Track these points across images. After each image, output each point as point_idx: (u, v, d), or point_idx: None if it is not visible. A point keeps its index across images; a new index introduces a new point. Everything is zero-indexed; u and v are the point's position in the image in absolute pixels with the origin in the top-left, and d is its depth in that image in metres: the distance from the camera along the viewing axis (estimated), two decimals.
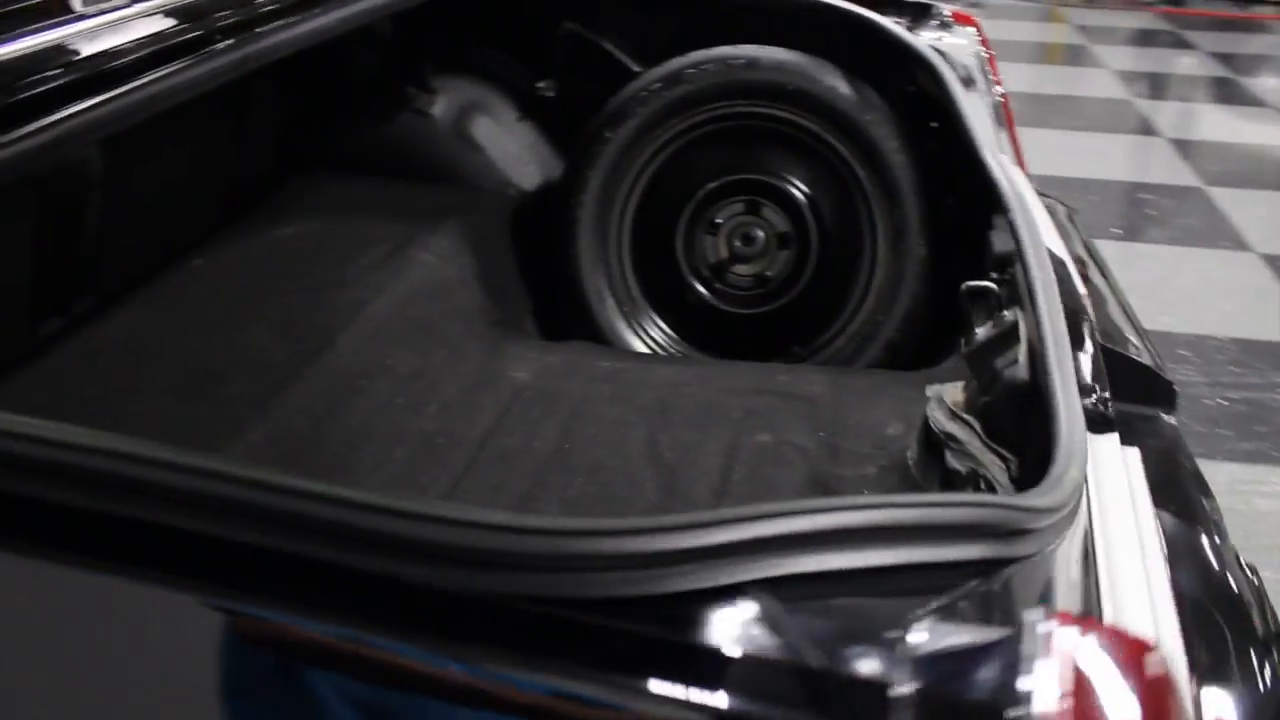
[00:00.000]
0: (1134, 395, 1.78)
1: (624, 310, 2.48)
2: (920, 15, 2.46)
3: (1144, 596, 1.04)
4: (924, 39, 2.33)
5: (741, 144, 2.45)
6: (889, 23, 2.33)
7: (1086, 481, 1.08)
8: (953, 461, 1.58)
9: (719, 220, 2.49)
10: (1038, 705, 0.63)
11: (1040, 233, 1.71)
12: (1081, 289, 1.79)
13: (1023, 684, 0.64)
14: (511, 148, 2.72)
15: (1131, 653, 0.71)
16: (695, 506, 1.78)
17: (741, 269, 2.50)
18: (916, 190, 2.33)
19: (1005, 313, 1.62)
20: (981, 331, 1.62)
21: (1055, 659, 0.66)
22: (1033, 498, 0.95)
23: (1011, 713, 0.63)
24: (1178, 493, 1.51)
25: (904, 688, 0.64)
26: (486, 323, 2.34)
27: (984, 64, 2.39)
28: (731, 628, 0.70)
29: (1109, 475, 1.29)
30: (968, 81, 2.26)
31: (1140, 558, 1.12)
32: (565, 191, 2.47)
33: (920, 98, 2.30)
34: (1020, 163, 2.44)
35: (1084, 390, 1.37)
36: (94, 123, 1.69)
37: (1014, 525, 0.87)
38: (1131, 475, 1.35)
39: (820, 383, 2.12)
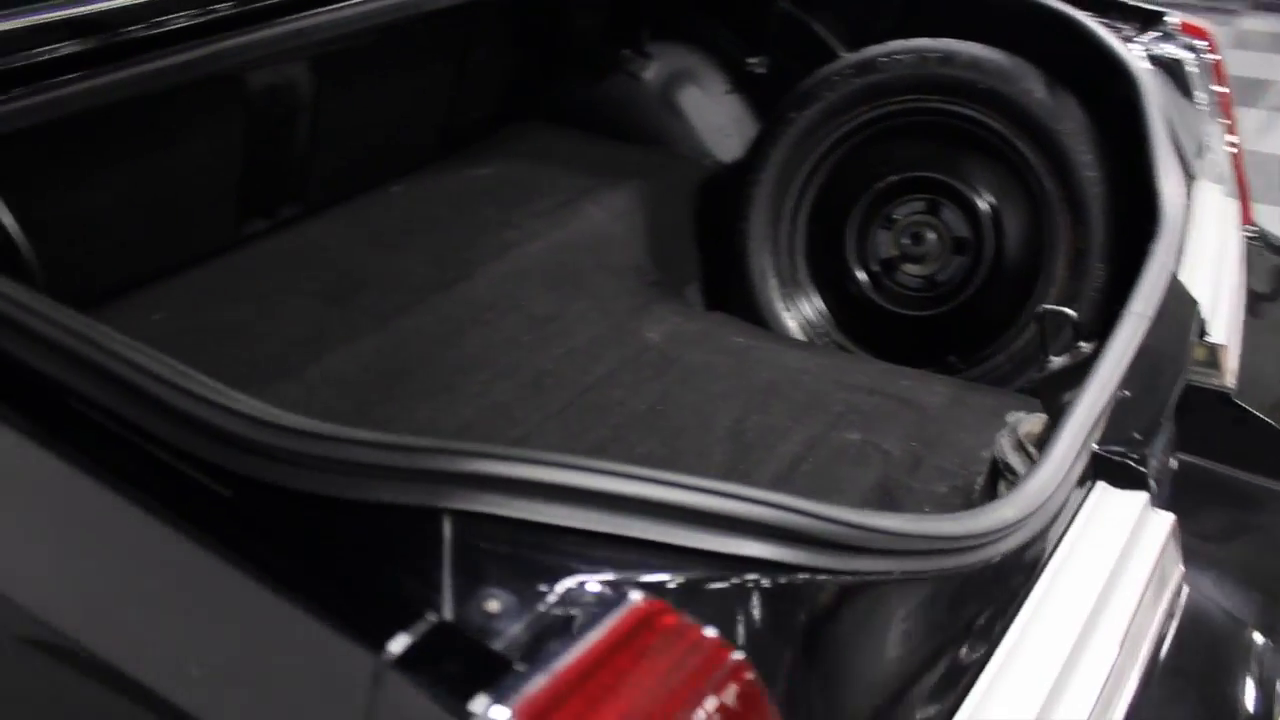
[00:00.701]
0: (1267, 467, 1.60)
1: (785, 292, 2.47)
2: (1147, 22, 2.24)
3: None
4: (1138, 49, 2.13)
5: (928, 140, 2.35)
6: (1099, 27, 2.15)
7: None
8: (1003, 492, 1.51)
9: (895, 216, 2.42)
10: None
11: (1184, 268, 1.57)
12: (1221, 338, 1.61)
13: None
14: (715, 119, 2.76)
15: (707, 660, 0.69)
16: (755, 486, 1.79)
17: (911, 268, 2.42)
18: (1105, 209, 2.15)
19: (1084, 344, 1.51)
20: (1057, 361, 1.51)
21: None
22: (890, 520, 0.92)
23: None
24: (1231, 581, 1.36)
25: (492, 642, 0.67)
26: (641, 282, 2.41)
27: (1207, 79, 2.15)
28: (395, 541, 0.76)
29: (1098, 534, 1.19)
30: (1178, 99, 2.05)
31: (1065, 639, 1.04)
32: (744, 167, 2.49)
33: (1120, 111, 2.12)
34: (1244, 198, 2.20)
35: (1121, 440, 1.26)
36: (285, 37, 1.92)
37: (817, 534, 0.85)
38: (1143, 541, 1.23)
39: (941, 394, 2.03)
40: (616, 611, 0.70)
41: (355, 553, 0.77)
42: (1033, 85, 2.19)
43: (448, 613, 0.69)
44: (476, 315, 2.13)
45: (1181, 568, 1.29)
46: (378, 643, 0.69)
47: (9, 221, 1.70)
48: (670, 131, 2.76)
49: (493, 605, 0.70)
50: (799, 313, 2.48)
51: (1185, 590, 1.30)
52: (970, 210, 2.34)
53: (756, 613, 0.78)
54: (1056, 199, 2.21)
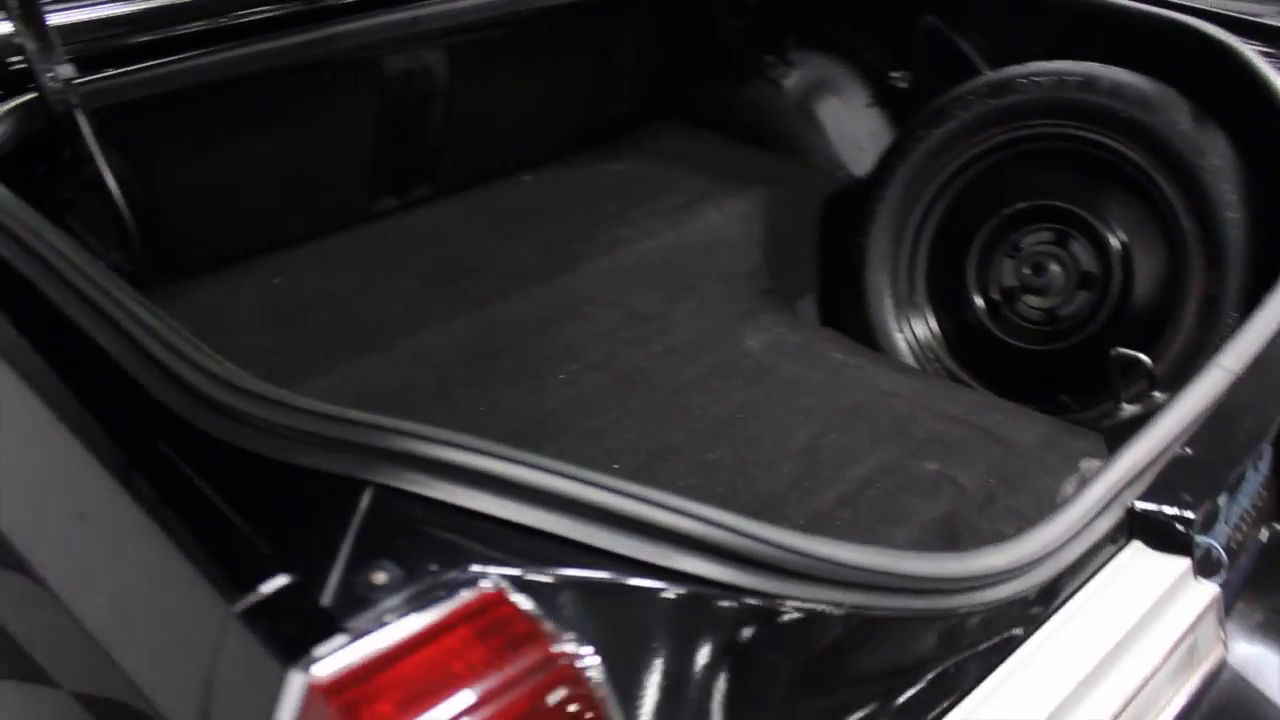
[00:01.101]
0: None
1: (899, 313, 2.42)
2: None
3: None
4: None
5: (1062, 168, 2.25)
6: (1256, 57, 2.00)
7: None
8: None
9: (1021, 244, 2.32)
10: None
11: None
12: None
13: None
14: (852, 132, 2.72)
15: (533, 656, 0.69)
16: (815, 507, 1.77)
17: (1032, 300, 2.32)
18: (1245, 254, 2.01)
19: (1158, 394, 1.42)
20: (1128, 409, 1.43)
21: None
22: (832, 548, 0.91)
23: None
24: None
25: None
26: (752, 289, 2.41)
27: None
28: (313, 506, 0.81)
29: (1117, 598, 1.12)
30: None
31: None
32: (870, 183, 2.44)
33: (1272, 149, 1.97)
34: None
35: (1172, 500, 1.19)
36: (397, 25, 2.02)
37: (739, 550, 0.84)
38: (1172, 611, 1.16)
39: (1035, 433, 1.95)
40: (457, 597, 0.72)
41: (275, 513, 0.83)
42: (1178, 116, 2.06)
43: (334, 578, 0.74)
44: (576, 307, 2.18)
45: (1222, 648, 1.20)
46: (233, 595, 0.74)
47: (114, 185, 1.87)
48: (806, 141, 2.74)
49: (379, 577, 0.74)
50: (911, 335, 2.42)
51: (1225, 671, 1.21)
52: (1100, 245, 2.22)
53: (658, 624, 0.78)
54: (1193, 239, 2.07)
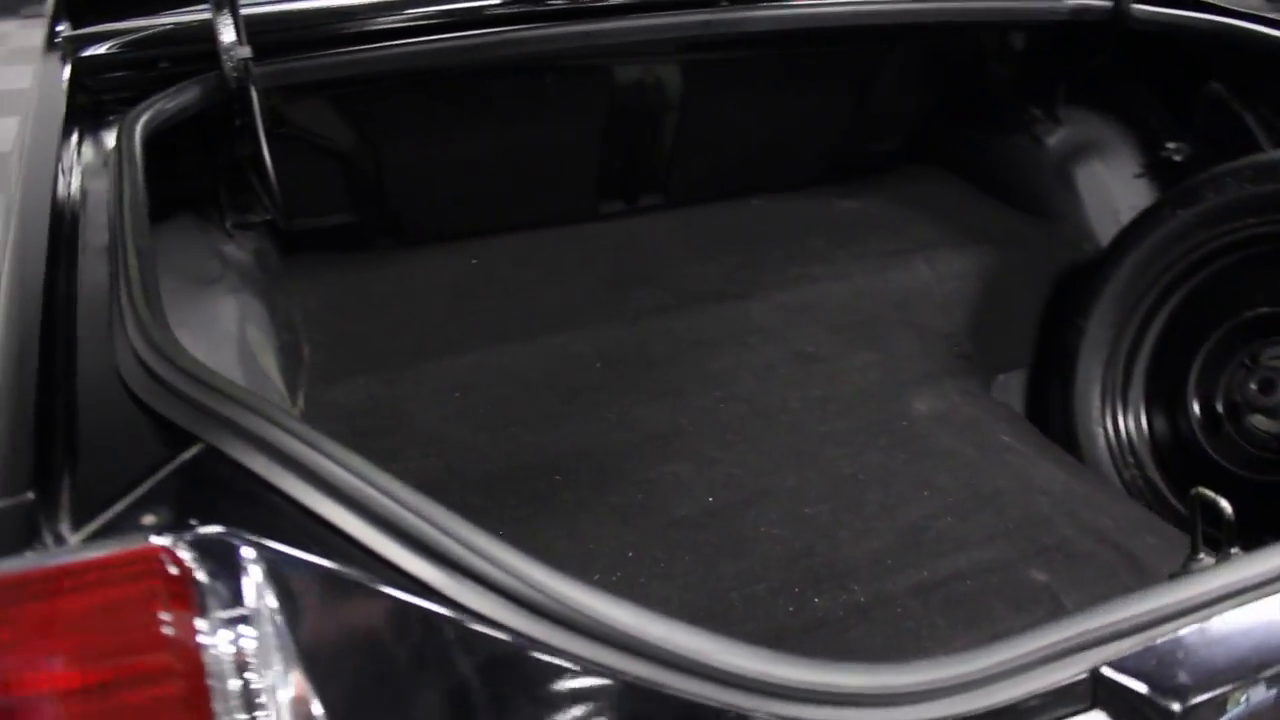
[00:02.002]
0: None
1: (1106, 407, 2.19)
2: None
3: None
4: None
5: None
6: None
7: None
8: None
9: (1259, 356, 2.03)
10: None
11: None
12: None
13: None
14: (1112, 203, 2.48)
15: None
16: (883, 589, 1.66)
17: (1261, 421, 2.02)
18: None
19: (1236, 549, 1.22)
20: (1204, 560, 1.24)
21: None
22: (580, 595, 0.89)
23: None
24: None
25: None
26: (947, 351, 2.28)
27: None
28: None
29: None
30: None
31: None
32: (1101, 259, 2.23)
33: None
34: None
35: (1162, 682, 1.04)
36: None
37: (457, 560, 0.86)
38: None
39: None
40: (122, 543, 0.78)
41: (116, 439, 0.94)
42: None
43: (119, 507, 0.83)
44: (741, 336, 2.18)
45: None
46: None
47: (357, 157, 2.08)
48: (1058, 205, 2.53)
49: (148, 519, 0.82)
50: (1114, 434, 2.18)
51: None
52: None
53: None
54: None
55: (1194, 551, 1.25)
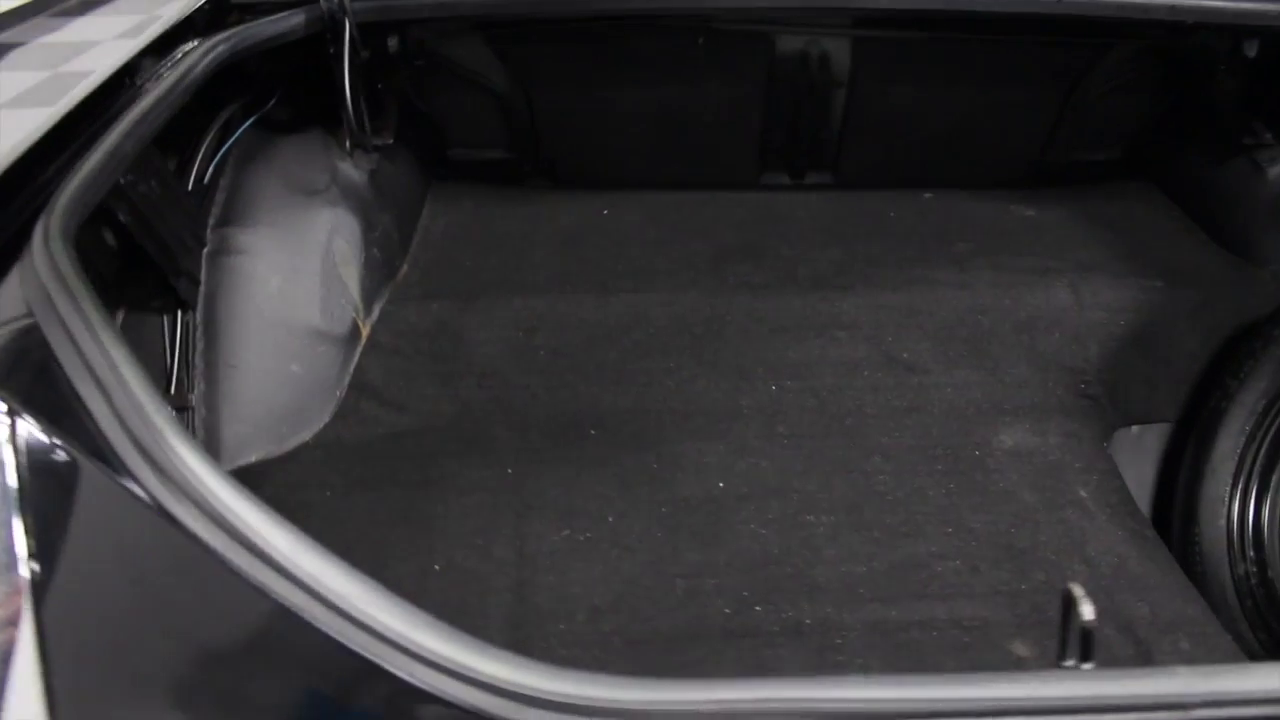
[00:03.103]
0: None
1: (1238, 484, 1.88)
2: None
3: None
4: None
5: None
6: None
7: None
8: None
9: None
10: None
11: None
12: None
13: None
14: None
15: None
16: (839, 619, 1.55)
17: None
18: None
19: (1075, 661, 1.04)
20: (1072, 664, 1.06)
21: None
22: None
23: None
24: None
25: None
26: (1069, 387, 2.04)
27: None
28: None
29: None
30: None
31: None
32: (1268, 317, 1.90)
33: None
34: None
35: None
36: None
37: None
38: None
39: None
40: None
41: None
42: None
43: None
44: (830, 330, 2.07)
45: None
46: None
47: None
48: (1269, 247, 2.16)
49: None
50: (1239, 518, 1.87)
51: None
52: None
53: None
54: None
55: (1061, 654, 1.07)
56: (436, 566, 1.65)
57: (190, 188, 1.89)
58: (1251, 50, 2.12)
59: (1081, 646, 1.04)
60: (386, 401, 1.95)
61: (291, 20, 1.84)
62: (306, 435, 1.90)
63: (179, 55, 1.69)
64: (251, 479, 1.80)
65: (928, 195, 2.48)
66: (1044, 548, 1.69)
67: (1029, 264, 2.18)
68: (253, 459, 1.85)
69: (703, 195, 2.44)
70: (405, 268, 2.17)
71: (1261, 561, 1.83)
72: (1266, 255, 2.16)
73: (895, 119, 2.40)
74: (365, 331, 2.01)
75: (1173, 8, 1.96)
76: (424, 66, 2.17)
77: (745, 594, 1.59)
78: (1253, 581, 1.82)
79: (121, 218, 1.55)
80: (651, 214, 2.37)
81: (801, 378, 2.00)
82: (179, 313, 1.83)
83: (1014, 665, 1.47)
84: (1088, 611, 1.03)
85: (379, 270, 2.08)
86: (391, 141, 2.18)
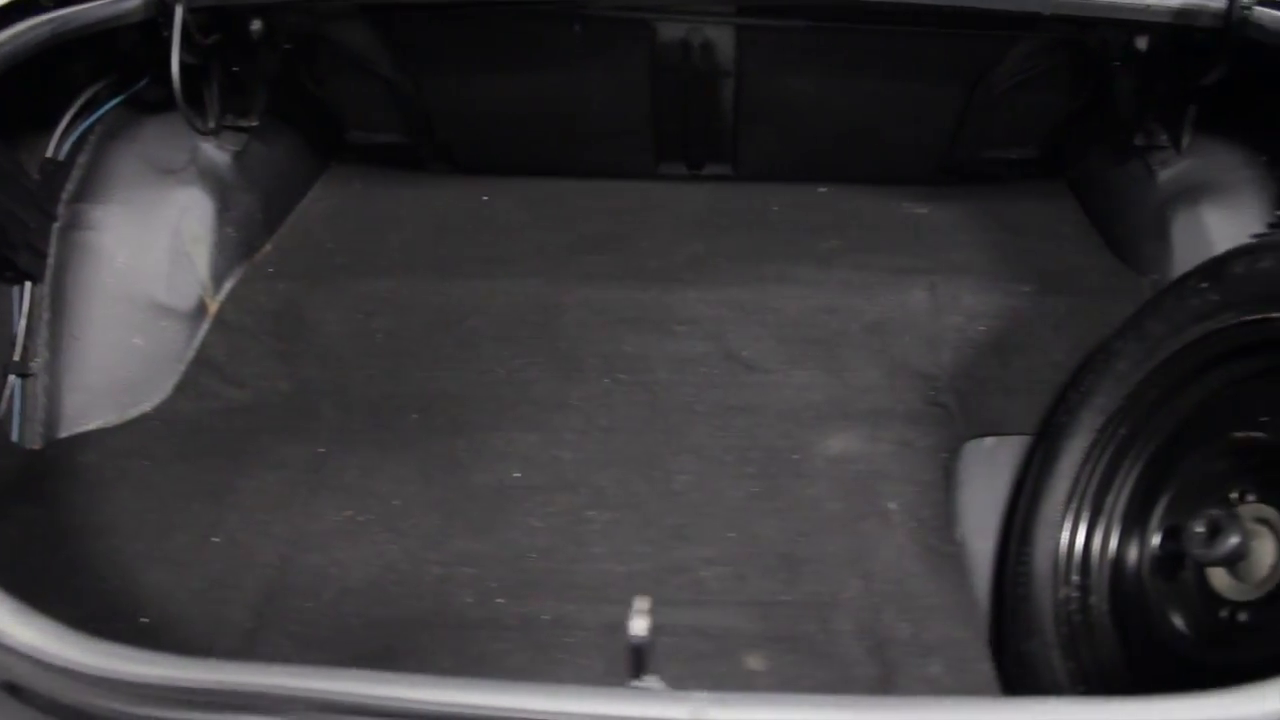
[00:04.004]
0: None
1: (1071, 504, 1.76)
2: None
3: None
4: None
5: None
6: None
7: None
8: None
9: (1232, 494, 1.54)
10: None
11: None
12: None
13: None
14: None
15: None
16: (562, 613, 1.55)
17: (1222, 581, 1.54)
18: None
19: (644, 680, 1.00)
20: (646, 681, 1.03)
21: None
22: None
23: None
24: None
25: None
26: (918, 394, 1.95)
27: None
28: None
29: None
30: None
31: None
32: (1114, 333, 1.78)
33: None
34: None
35: None
36: None
37: None
38: None
39: None
40: None
41: None
42: None
43: None
44: (669, 324, 2.03)
45: None
46: None
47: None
48: (1151, 256, 2.03)
49: None
50: (1069, 540, 1.76)
51: None
52: None
53: None
54: None
55: (633, 670, 1.03)
56: (215, 539, 1.69)
57: (42, 164, 1.96)
58: (1143, 44, 1.99)
59: (634, 663, 1.00)
60: (227, 377, 2.00)
61: (122, 5, 1.88)
62: (147, 406, 1.96)
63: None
64: (80, 447, 1.87)
65: (822, 190, 2.41)
66: (826, 559, 1.64)
67: (894, 263, 2.10)
68: (91, 426, 1.92)
69: (591, 184, 2.42)
70: (268, 247, 2.21)
71: (1085, 588, 1.72)
72: (1150, 263, 2.03)
73: (789, 110, 2.33)
74: (213, 308, 2.06)
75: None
76: (294, 51, 2.20)
77: (494, 585, 1.59)
78: (1072, 608, 1.72)
79: None
80: (532, 201, 2.36)
81: (636, 372, 1.97)
82: (28, 283, 1.91)
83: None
84: (638, 626, 1.00)
85: (233, 249, 2.12)
86: (256, 124, 2.22)
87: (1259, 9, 1.73)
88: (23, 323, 1.91)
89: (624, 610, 1.51)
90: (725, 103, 2.34)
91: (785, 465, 1.81)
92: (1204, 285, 1.60)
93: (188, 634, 1.49)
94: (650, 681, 0.99)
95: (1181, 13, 1.80)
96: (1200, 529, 1.53)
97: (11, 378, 1.88)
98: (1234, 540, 1.48)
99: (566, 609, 1.55)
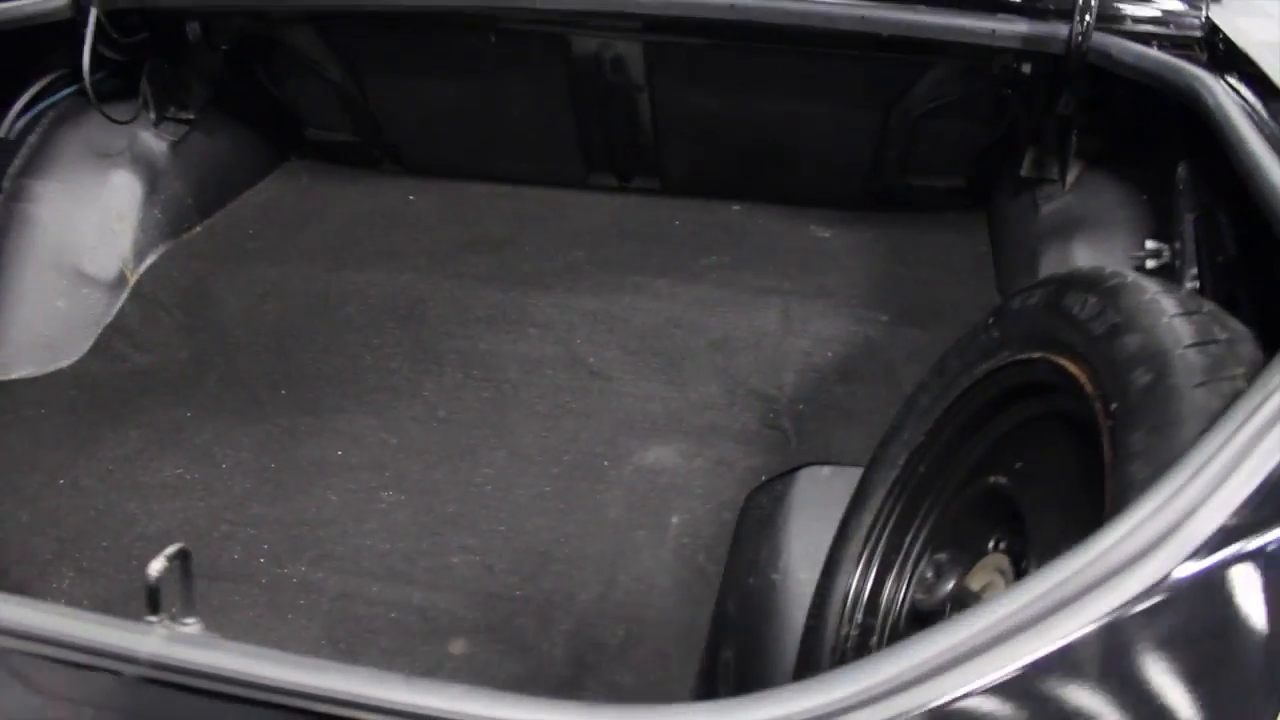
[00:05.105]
0: None
1: (869, 540, 1.71)
2: None
3: None
4: None
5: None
6: None
7: None
8: None
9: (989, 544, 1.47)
10: None
11: None
12: None
13: None
14: None
15: None
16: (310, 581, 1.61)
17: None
18: None
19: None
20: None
21: None
22: None
23: None
24: None
25: None
26: (757, 415, 1.93)
27: None
28: None
29: None
30: None
31: None
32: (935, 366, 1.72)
33: None
34: None
35: None
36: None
37: None
38: None
39: None
40: None
41: None
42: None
43: None
44: (524, 328, 2.08)
45: None
46: None
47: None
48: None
49: None
50: (859, 577, 1.70)
51: None
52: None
53: None
54: None
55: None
56: (61, 480, 1.86)
57: None
58: (1028, 70, 1.90)
59: (149, 600, 1.05)
60: (136, 343, 2.18)
61: (48, 4, 2.10)
62: (64, 363, 2.16)
63: None
64: (7, 392, 2.09)
65: (736, 207, 2.40)
66: (579, 561, 1.65)
67: (756, 283, 2.09)
68: (14, 376, 2.14)
69: (515, 189, 2.51)
70: (198, 229, 2.40)
71: (867, 627, 1.66)
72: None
73: (702, 127, 2.34)
74: (131, 280, 2.26)
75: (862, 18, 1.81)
76: (240, 51, 2.38)
77: (265, 547, 1.68)
78: (849, 645, 1.66)
79: None
80: (450, 202, 2.46)
81: (489, 369, 2.03)
82: None
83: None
84: (155, 568, 1.05)
85: (157, 229, 2.32)
86: (193, 117, 2.41)
87: (1102, 35, 1.64)
88: None
89: (365, 583, 1.60)
90: (644, 117, 2.37)
91: (590, 470, 1.82)
92: (990, 321, 1.54)
93: None
94: (158, 620, 1.04)
95: (1030, 38, 1.72)
96: (929, 574, 1.47)
97: None
98: (948, 588, 1.41)
99: (315, 575, 1.62)
